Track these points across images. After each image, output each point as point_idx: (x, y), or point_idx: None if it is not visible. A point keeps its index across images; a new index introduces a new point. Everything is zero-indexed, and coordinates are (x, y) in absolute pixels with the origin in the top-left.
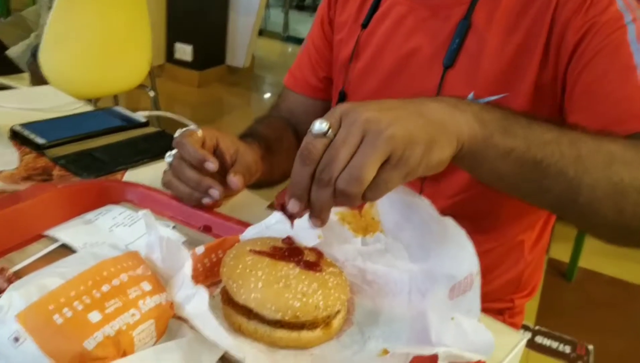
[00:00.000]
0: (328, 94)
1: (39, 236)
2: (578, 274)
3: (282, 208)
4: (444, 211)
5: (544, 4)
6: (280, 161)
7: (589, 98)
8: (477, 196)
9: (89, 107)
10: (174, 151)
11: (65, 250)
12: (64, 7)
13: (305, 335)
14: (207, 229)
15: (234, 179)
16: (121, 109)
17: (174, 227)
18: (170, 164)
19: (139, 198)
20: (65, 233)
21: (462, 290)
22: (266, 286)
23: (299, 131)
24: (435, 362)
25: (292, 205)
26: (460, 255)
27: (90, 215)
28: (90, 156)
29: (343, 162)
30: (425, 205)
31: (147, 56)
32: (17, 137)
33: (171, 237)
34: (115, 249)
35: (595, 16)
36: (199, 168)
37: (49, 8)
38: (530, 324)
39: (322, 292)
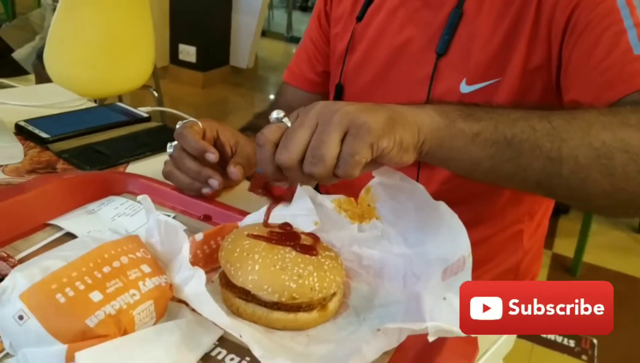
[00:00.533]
0: (326, 88)
1: (44, 225)
2: (582, 269)
3: (266, 191)
4: (439, 197)
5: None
6: None
7: (581, 71)
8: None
9: (91, 104)
10: (174, 143)
11: (69, 238)
12: (68, 9)
13: (302, 316)
14: (206, 218)
15: (234, 170)
16: (123, 105)
17: (174, 217)
18: (171, 155)
19: (140, 188)
20: (68, 222)
21: (454, 271)
22: (263, 269)
23: None
24: (428, 342)
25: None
26: (452, 238)
27: (93, 205)
28: (93, 149)
29: (300, 143)
30: (420, 191)
31: (150, 57)
32: (22, 132)
33: (169, 221)
34: (116, 234)
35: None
36: (200, 158)
37: (53, 10)
38: None
39: (318, 274)
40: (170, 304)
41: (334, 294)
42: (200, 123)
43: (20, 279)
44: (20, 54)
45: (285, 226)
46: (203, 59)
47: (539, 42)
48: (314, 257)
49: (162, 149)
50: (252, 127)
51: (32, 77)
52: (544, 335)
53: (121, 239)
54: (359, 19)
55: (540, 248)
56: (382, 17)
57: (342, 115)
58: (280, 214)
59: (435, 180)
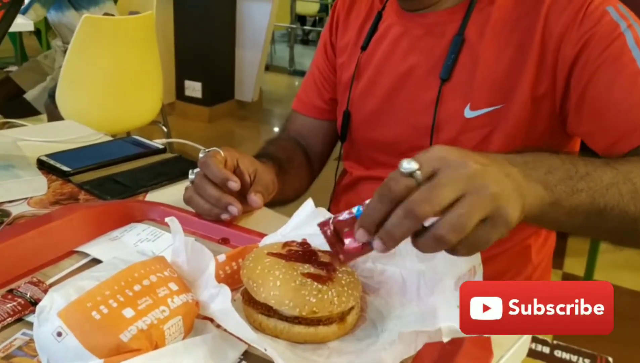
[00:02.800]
0: (333, 115)
1: (71, 253)
2: None
3: (336, 237)
4: None
5: (533, 18)
6: (292, 179)
7: (599, 111)
8: None
9: (108, 138)
10: (196, 170)
11: (95, 263)
12: (79, 50)
13: (322, 330)
14: (224, 241)
15: (255, 198)
16: (139, 138)
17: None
18: (193, 182)
19: (161, 215)
20: (94, 248)
21: (465, 280)
22: (284, 285)
23: (309, 151)
24: (444, 348)
25: (361, 235)
26: None
27: (116, 233)
28: (113, 180)
29: (445, 202)
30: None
31: (158, 94)
32: (43, 166)
33: (195, 242)
34: (143, 255)
35: (591, 28)
36: (221, 186)
37: (64, 52)
38: (549, 338)
39: (336, 289)
40: (195, 321)
41: (352, 308)
42: (222, 152)
43: (57, 298)
44: (32, 95)
45: (304, 244)
46: (209, 94)
47: (545, 71)
48: (332, 273)
49: (179, 178)
50: (266, 155)
51: (44, 117)
52: (559, 355)
53: (148, 260)
54: (364, 48)
55: (549, 263)
56: (386, 45)
57: (492, 198)
58: (297, 234)
59: None
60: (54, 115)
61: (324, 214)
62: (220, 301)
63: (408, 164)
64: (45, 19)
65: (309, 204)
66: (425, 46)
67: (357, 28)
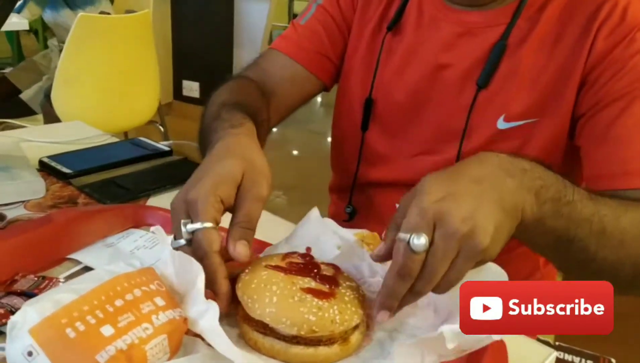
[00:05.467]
0: (324, 73)
1: (62, 259)
2: None
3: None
4: None
5: (583, 34)
6: (261, 133)
7: (597, 137)
8: None
9: (114, 140)
10: (181, 242)
11: (86, 271)
12: (75, 49)
13: (323, 351)
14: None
15: (239, 250)
16: (145, 140)
17: None
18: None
19: (160, 221)
20: (86, 256)
21: None
22: (281, 301)
23: (271, 102)
24: None
25: (382, 316)
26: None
27: (112, 239)
28: (114, 183)
29: (441, 275)
30: None
31: (155, 93)
32: (45, 168)
33: (183, 253)
34: (130, 266)
35: (632, 55)
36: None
37: (60, 51)
38: (550, 340)
39: (339, 306)
40: (185, 338)
41: (357, 326)
42: (215, 230)
43: (30, 313)
44: (27, 95)
45: (306, 256)
46: (206, 93)
47: (585, 88)
48: (334, 288)
49: (184, 182)
50: (249, 115)
51: (40, 117)
52: (561, 357)
53: (135, 271)
54: (389, 28)
55: (554, 269)
56: (418, 33)
57: (482, 253)
58: (303, 242)
59: None
60: (50, 115)
61: (330, 223)
62: (208, 319)
63: (419, 241)
64: (42, 17)
65: (314, 213)
66: (463, 46)
67: (385, 2)
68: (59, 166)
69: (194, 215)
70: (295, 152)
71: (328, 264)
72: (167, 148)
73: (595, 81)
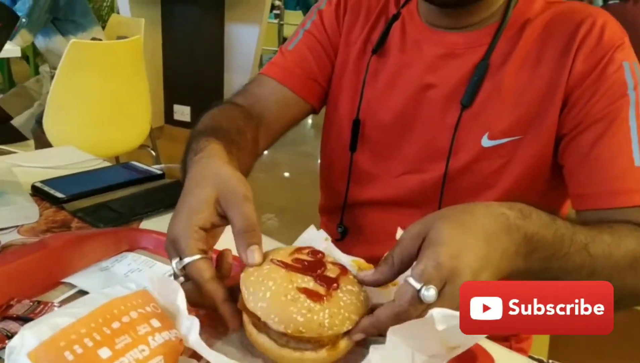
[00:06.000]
0: (313, 97)
1: (57, 283)
2: None
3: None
4: None
5: (562, 53)
6: (245, 156)
7: (580, 159)
8: None
9: (106, 164)
10: (182, 280)
11: (81, 295)
12: (66, 75)
13: (309, 355)
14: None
15: (250, 258)
16: (137, 164)
17: None
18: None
19: (154, 244)
20: (81, 279)
21: None
22: (273, 297)
23: (261, 127)
24: None
25: (358, 337)
26: None
27: (106, 262)
28: (107, 207)
29: None
30: None
31: (147, 118)
32: (38, 193)
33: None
34: (127, 289)
35: (607, 78)
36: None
37: (51, 78)
38: (544, 357)
39: (330, 310)
40: (181, 359)
41: (348, 332)
42: (204, 260)
43: (29, 337)
44: (19, 121)
45: (317, 253)
46: (197, 117)
47: (568, 109)
48: (332, 291)
49: (175, 205)
50: (231, 143)
51: (31, 143)
52: None
53: (131, 294)
54: (375, 51)
55: None
56: (402, 55)
57: None
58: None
59: None
60: (41, 141)
61: (335, 251)
62: (193, 334)
63: (428, 293)
64: (33, 44)
65: (311, 230)
66: (447, 67)
67: (369, 26)
68: (52, 191)
69: (181, 253)
70: (286, 174)
71: (336, 264)
72: (159, 172)
73: (576, 102)
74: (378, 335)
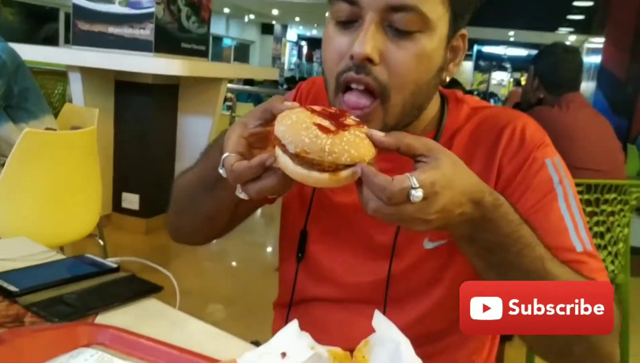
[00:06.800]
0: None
1: None
2: None
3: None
4: (405, 333)
5: (489, 159)
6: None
7: None
8: (435, 320)
9: (60, 256)
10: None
11: None
12: (16, 164)
13: (314, 175)
14: None
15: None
16: (92, 256)
17: None
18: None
19: (110, 339)
20: None
21: None
22: (292, 125)
23: None
24: None
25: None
26: None
27: (61, 358)
28: (62, 301)
29: (406, 217)
30: (407, 345)
31: (96, 207)
32: None
33: None
34: None
35: (532, 177)
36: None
37: (2, 165)
38: None
39: (333, 141)
40: None
41: (348, 167)
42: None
43: None
44: None
45: (342, 111)
46: (146, 206)
47: None
48: (340, 129)
49: (131, 299)
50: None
51: None
52: None
53: None
54: None
55: None
56: None
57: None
58: (276, 343)
59: (402, 318)
60: None
61: (308, 338)
62: None
63: (416, 193)
64: None
65: (294, 325)
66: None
67: None
68: (4, 284)
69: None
70: (234, 264)
71: (355, 120)
72: (114, 265)
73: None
74: (366, 188)
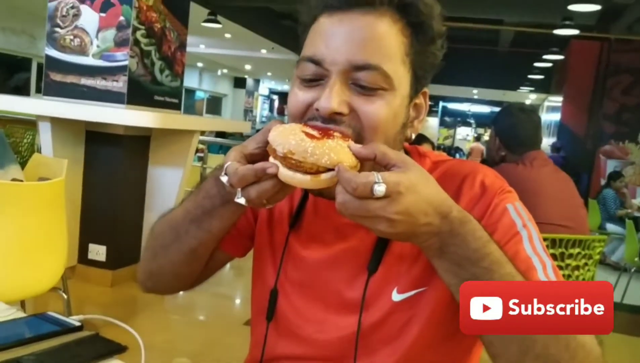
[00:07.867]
0: (237, 250)
1: None
2: None
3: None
4: None
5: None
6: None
7: None
8: None
9: (21, 314)
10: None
11: None
12: None
13: (298, 176)
14: None
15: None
16: (54, 315)
17: None
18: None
19: None
20: None
21: None
22: (283, 131)
23: None
24: None
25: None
26: None
27: None
28: None
29: (369, 214)
30: None
31: (62, 259)
32: None
33: None
34: None
35: (495, 223)
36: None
37: None
38: None
39: (316, 144)
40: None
41: (329, 171)
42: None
43: None
44: None
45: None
46: (113, 257)
47: None
48: (325, 137)
49: (95, 359)
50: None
51: None
52: None
53: None
54: (292, 226)
55: None
56: (314, 224)
57: (393, 235)
58: None
59: None
60: None
61: None
62: None
63: (379, 187)
64: None
65: None
66: (354, 235)
67: (289, 198)
68: None
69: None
70: (201, 317)
71: (342, 134)
72: (77, 323)
73: None
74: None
